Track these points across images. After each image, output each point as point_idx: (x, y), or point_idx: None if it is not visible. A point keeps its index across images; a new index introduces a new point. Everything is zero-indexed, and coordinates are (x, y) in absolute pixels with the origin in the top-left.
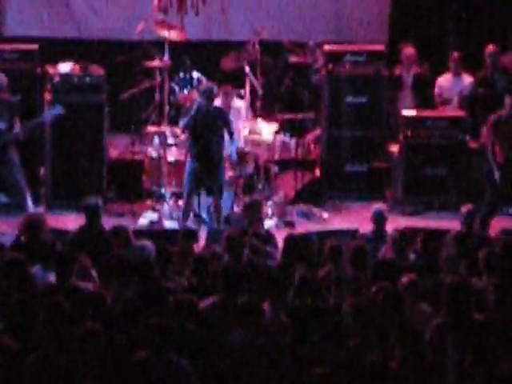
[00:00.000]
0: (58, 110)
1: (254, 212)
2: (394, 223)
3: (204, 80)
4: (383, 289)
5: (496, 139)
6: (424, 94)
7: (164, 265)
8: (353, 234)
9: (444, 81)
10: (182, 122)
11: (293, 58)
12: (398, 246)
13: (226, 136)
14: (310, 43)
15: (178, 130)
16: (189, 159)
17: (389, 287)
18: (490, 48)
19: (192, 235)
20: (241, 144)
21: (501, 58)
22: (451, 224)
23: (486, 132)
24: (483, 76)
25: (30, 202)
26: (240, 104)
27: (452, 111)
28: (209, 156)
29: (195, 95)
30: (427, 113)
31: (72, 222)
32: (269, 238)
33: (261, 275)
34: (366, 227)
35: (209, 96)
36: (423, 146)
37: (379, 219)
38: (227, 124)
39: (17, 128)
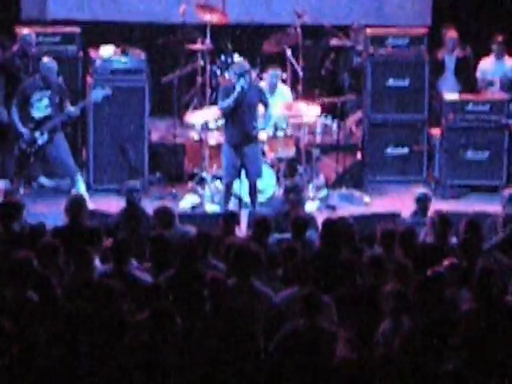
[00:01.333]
0: (107, 91)
1: (294, 195)
2: (435, 206)
3: (239, 61)
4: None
5: None
6: (467, 78)
7: (204, 248)
8: (395, 217)
9: (486, 64)
10: (222, 103)
11: (334, 42)
12: (439, 229)
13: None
14: (354, 25)
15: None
16: (225, 141)
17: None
18: (499, 38)
19: (233, 218)
20: (284, 126)
21: None
22: (493, 207)
23: None
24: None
25: (80, 184)
26: (283, 87)
27: (494, 94)
28: (245, 138)
29: (232, 78)
30: (469, 96)
31: (114, 205)
32: (310, 221)
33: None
34: (407, 210)
35: (244, 75)
36: (465, 129)
37: (423, 202)
38: (264, 101)
39: (69, 109)
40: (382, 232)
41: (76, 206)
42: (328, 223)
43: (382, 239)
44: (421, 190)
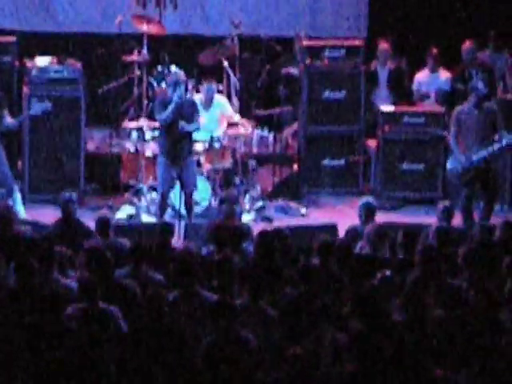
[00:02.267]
0: (46, 104)
1: (230, 206)
2: None
3: (174, 71)
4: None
5: (459, 131)
6: (400, 90)
7: (139, 260)
8: (331, 228)
9: (422, 76)
10: (162, 115)
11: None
12: (374, 241)
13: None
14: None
15: (156, 124)
16: (160, 153)
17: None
18: (467, 44)
19: (169, 230)
20: (221, 138)
21: (478, 55)
22: (428, 219)
23: (450, 124)
24: (460, 72)
25: (17, 195)
26: (221, 98)
27: (429, 107)
28: (180, 150)
29: (168, 90)
30: (405, 108)
31: (49, 215)
32: (246, 232)
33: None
34: (343, 222)
35: (179, 85)
36: (400, 141)
37: (368, 211)
38: (196, 115)
39: (7, 120)
40: (319, 244)
41: (4, 215)
42: (263, 234)
43: (319, 251)
44: (365, 198)
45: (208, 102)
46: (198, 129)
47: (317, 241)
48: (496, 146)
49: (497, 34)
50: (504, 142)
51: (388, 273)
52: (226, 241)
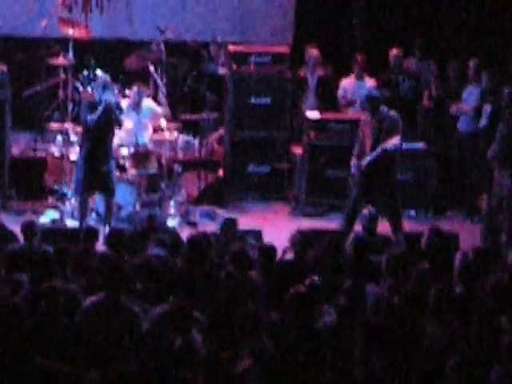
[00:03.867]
0: None
1: (156, 211)
2: (296, 224)
3: (102, 74)
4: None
5: (360, 138)
6: (327, 96)
7: (62, 264)
8: (256, 234)
9: (347, 83)
10: (89, 118)
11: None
12: (299, 247)
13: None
14: (215, 40)
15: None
16: (80, 157)
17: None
18: (394, 51)
19: (93, 234)
20: (146, 143)
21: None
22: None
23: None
24: (387, 79)
25: None
26: (150, 103)
27: (355, 113)
28: (101, 155)
29: (96, 93)
30: (330, 115)
31: None
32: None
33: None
34: (268, 228)
35: (107, 89)
36: (326, 147)
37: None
38: (117, 120)
39: None
40: (234, 251)
41: None
42: (192, 240)
43: (233, 258)
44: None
45: (137, 106)
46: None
47: (232, 249)
48: (377, 151)
49: (423, 42)
50: (383, 147)
51: (316, 279)
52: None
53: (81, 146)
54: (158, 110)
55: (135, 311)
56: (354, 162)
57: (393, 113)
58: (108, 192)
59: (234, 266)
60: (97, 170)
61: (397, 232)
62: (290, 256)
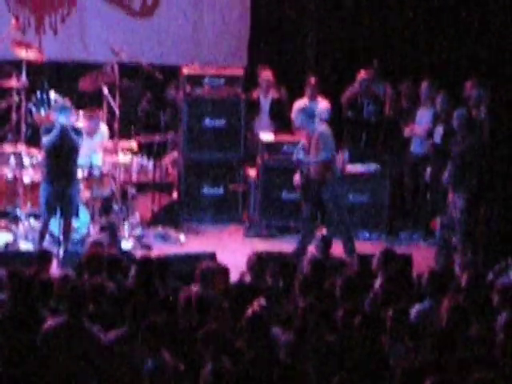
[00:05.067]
0: None
1: (109, 234)
2: (250, 246)
3: (59, 99)
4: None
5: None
6: (281, 119)
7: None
8: (209, 256)
9: (300, 105)
10: (45, 140)
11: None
12: (255, 269)
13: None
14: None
15: (35, 150)
16: (44, 180)
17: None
18: (362, 74)
19: (47, 257)
20: (100, 165)
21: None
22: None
23: None
24: (353, 100)
25: None
26: (103, 126)
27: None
28: (63, 177)
29: (52, 116)
30: (284, 137)
31: None
32: (126, 259)
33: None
34: (222, 250)
35: (64, 111)
36: (280, 169)
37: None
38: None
39: None
40: (200, 271)
41: None
42: (143, 262)
43: (200, 278)
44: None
45: (92, 130)
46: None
47: (198, 268)
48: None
49: (379, 63)
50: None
51: (263, 301)
52: (99, 269)
53: (43, 169)
54: (107, 133)
55: (97, 333)
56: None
57: (323, 127)
58: (70, 214)
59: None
60: (59, 192)
61: (350, 253)
62: (247, 279)
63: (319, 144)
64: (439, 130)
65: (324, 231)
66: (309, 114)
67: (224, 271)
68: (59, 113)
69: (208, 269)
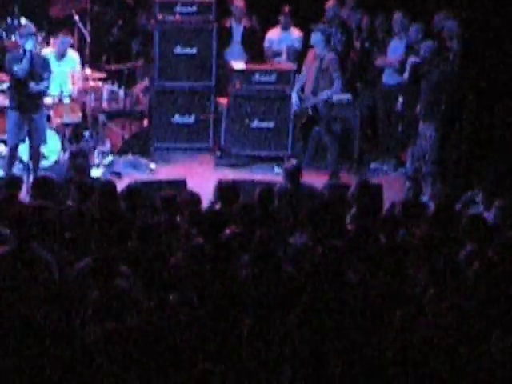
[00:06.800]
0: None
1: (79, 161)
2: (220, 174)
3: (26, 23)
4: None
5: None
6: (253, 47)
7: None
8: (180, 184)
9: (273, 34)
10: (16, 68)
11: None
12: (225, 197)
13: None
14: None
15: (4, 76)
16: (10, 106)
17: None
18: (331, 2)
19: (16, 183)
20: (71, 92)
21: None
22: (276, 177)
23: None
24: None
25: None
26: (73, 53)
27: (280, 64)
28: (32, 103)
29: (19, 41)
30: (256, 66)
31: None
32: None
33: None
34: (192, 178)
35: (31, 37)
36: (251, 98)
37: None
38: (48, 71)
39: None
40: (164, 199)
41: None
42: (105, 186)
43: (164, 206)
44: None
45: (61, 55)
46: (47, 87)
47: (160, 196)
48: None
49: None
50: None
51: (236, 229)
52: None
53: (9, 96)
54: (78, 59)
55: (48, 260)
56: (294, 95)
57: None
58: (38, 140)
59: (164, 212)
60: (28, 119)
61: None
62: (217, 206)
63: (330, 70)
64: (410, 62)
65: (293, 161)
66: (327, 35)
67: (196, 198)
68: (26, 38)
69: (175, 196)
